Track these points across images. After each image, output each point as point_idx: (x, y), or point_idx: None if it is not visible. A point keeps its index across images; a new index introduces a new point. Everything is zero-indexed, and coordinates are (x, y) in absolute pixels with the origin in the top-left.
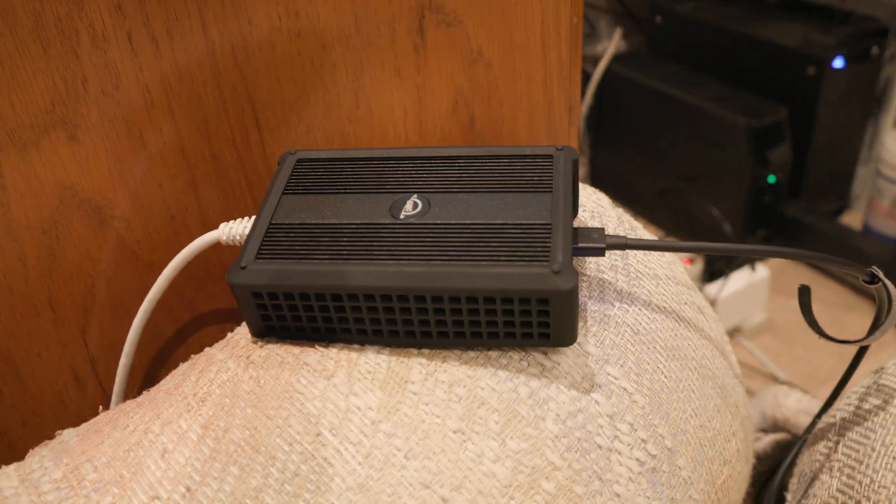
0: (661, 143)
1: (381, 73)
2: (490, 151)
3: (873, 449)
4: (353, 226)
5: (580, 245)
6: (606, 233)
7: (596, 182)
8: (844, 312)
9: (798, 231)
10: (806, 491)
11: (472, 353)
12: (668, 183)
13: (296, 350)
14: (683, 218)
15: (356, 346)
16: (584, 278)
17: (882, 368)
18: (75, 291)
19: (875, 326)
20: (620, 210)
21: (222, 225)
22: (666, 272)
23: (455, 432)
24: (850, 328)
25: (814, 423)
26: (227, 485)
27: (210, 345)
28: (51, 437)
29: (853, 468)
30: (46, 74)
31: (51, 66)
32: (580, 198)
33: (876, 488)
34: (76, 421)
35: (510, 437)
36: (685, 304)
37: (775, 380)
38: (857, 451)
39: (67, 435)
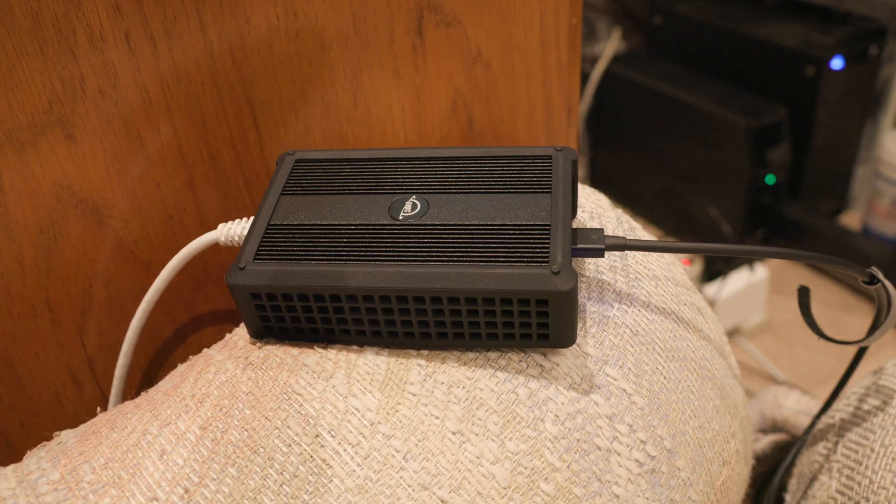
0: (661, 143)
1: (379, 74)
2: (489, 152)
3: (872, 450)
4: (352, 227)
5: (579, 246)
6: (605, 233)
7: (595, 182)
8: (843, 313)
9: (797, 231)
10: (805, 492)
11: (470, 355)
12: (667, 183)
13: (294, 351)
14: (683, 218)
15: (355, 347)
16: (584, 279)
17: (881, 369)
18: (73, 292)
19: (874, 327)
20: (619, 211)
21: (221, 225)
22: (665, 273)
23: (454, 433)
24: (849, 329)
25: (813, 423)
26: (226, 486)
27: (208, 346)
28: (49, 438)
29: (852, 469)
30: (44, 74)
31: (48, 66)
32: (579, 198)
33: (875, 489)
34: (74, 422)
35: (509, 438)
36: (684, 304)
37: (774, 380)
38: (857, 452)
39: (65, 436)
